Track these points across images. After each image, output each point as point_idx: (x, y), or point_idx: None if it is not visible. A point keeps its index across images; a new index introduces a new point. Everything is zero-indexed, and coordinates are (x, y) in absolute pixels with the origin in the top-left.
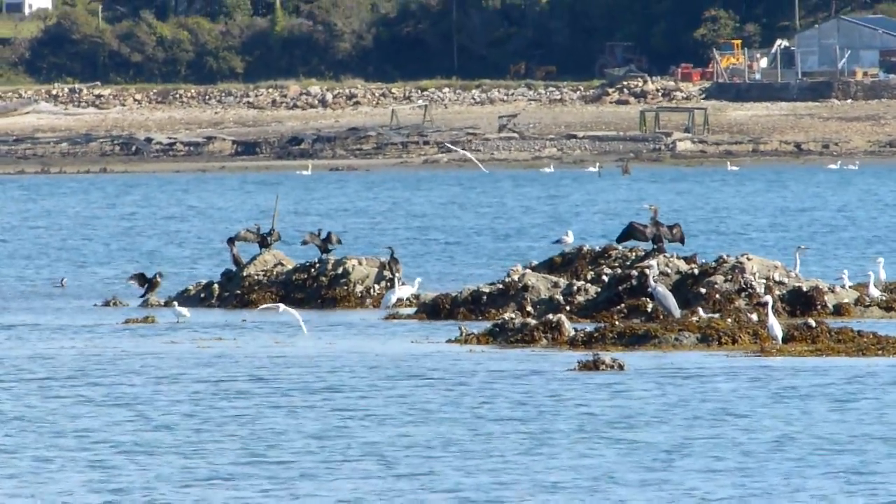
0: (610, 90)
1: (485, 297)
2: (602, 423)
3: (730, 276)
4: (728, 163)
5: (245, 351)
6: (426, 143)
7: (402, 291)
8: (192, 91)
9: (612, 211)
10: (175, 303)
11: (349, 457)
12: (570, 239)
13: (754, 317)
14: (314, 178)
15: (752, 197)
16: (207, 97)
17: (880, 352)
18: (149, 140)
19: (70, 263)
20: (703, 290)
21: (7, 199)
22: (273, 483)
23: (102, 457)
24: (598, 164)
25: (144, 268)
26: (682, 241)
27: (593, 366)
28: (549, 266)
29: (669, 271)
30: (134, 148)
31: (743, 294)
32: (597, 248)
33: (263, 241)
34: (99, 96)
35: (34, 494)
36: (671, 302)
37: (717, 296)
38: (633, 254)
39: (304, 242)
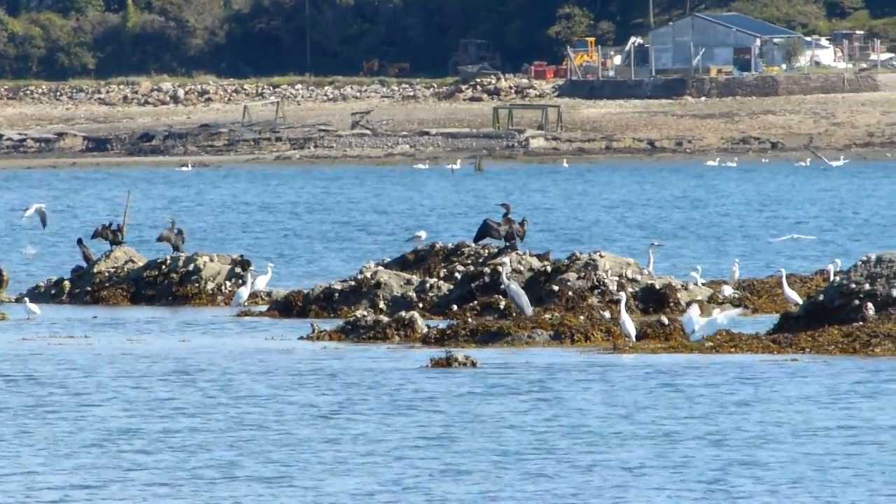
0: (463, 87)
1: (337, 295)
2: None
3: (582, 274)
4: (564, 160)
5: (97, 348)
6: (278, 139)
7: (258, 283)
8: (44, 87)
9: (465, 208)
10: (26, 299)
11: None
12: (422, 236)
13: (607, 314)
14: (194, 174)
15: (609, 193)
16: (59, 93)
17: (733, 349)
18: None
19: None
20: (555, 288)
21: None
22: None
23: None
24: (458, 161)
25: None
26: (523, 237)
27: (446, 363)
28: (401, 263)
29: (522, 269)
30: None
31: (596, 291)
32: (450, 246)
33: (114, 238)
34: None
35: None
36: (524, 300)
37: (570, 293)
38: (486, 251)
39: (160, 239)
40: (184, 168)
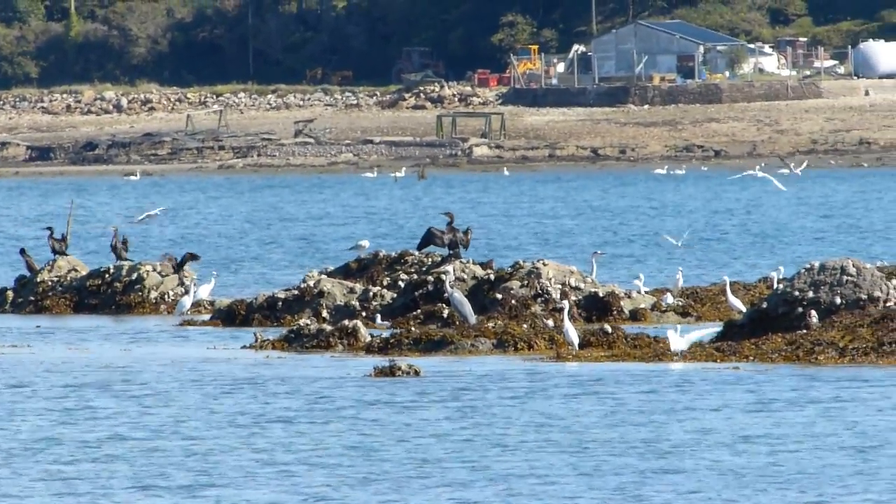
0: (407, 95)
1: (280, 303)
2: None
3: (526, 282)
4: (505, 168)
5: (39, 357)
6: (221, 148)
7: (201, 292)
8: None
9: (407, 216)
10: None
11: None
12: (366, 244)
13: (550, 322)
14: (144, 182)
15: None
16: (2, 102)
17: (676, 357)
18: None
19: None
20: (499, 296)
21: None
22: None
23: None
24: (403, 170)
25: None
26: (467, 245)
27: (389, 372)
28: (344, 272)
29: (466, 277)
30: None
31: (539, 300)
32: (393, 254)
33: (58, 247)
34: None
35: None
36: (467, 308)
37: (514, 301)
38: (430, 259)
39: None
40: (132, 177)
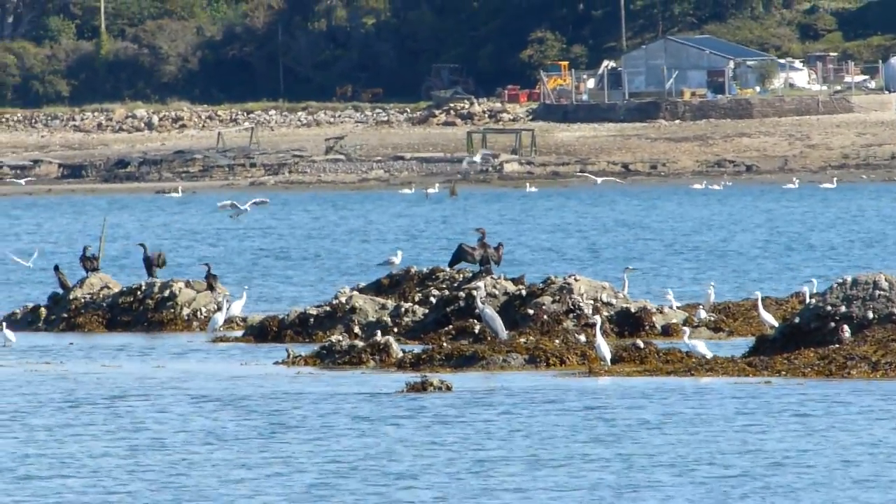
0: (437, 112)
1: (312, 320)
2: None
3: (557, 297)
4: (528, 184)
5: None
6: (252, 165)
7: (234, 308)
8: (19, 115)
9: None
10: (3, 324)
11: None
12: (397, 260)
13: (582, 337)
14: (184, 199)
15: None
16: (34, 121)
17: (709, 372)
18: None
19: None
20: (530, 312)
21: None
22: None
23: None
24: (437, 185)
25: None
26: (499, 261)
27: (421, 387)
28: (376, 288)
29: (497, 293)
30: None
31: (571, 315)
32: (424, 270)
33: (91, 265)
34: None
35: None
36: (498, 324)
37: (545, 317)
38: (461, 275)
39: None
40: (173, 194)
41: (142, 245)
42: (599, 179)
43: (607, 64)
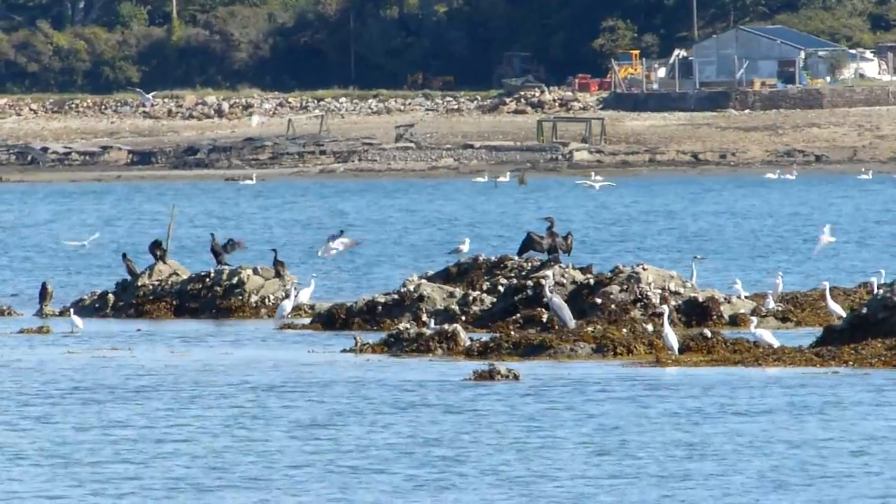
0: (507, 100)
1: (380, 308)
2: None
3: (625, 287)
4: (593, 173)
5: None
6: (322, 152)
7: (302, 296)
8: (89, 101)
9: (508, 221)
10: (71, 310)
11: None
12: (465, 248)
13: (650, 327)
14: (259, 187)
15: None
16: (104, 107)
17: (776, 362)
18: (45, 150)
19: None
20: (598, 301)
21: None
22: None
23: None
24: (508, 174)
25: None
26: (569, 251)
27: (489, 376)
28: (444, 276)
29: (565, 281)
30: (30, 157)
31: (638, 304)
32: (493, 258)
33: (159, 253)
34: None
35: None
36: (566, 312)
37: (613, 306)
38: (529, 264)
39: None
40: (248, 181)
41: (211, 234)
42: (597, 185)
43: (678, 53)
